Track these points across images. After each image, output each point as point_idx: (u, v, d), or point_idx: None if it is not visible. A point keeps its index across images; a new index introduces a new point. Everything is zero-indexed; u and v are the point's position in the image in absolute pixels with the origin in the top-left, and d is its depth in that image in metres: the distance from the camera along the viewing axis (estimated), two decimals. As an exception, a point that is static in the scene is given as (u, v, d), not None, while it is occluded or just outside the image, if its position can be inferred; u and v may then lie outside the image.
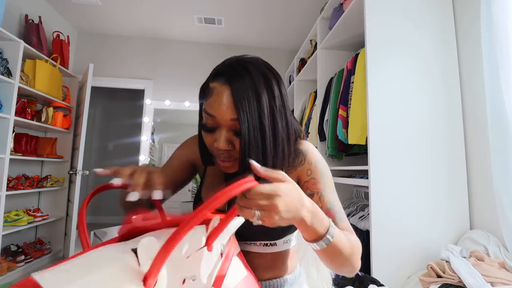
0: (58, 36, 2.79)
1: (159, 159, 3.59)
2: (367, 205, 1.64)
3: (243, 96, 0.52)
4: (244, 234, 0.62)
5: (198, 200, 0.73)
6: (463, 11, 1.51)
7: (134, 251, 0.32)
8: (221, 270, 0.44)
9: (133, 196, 0.45)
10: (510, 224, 1.10)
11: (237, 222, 0.51)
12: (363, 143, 1.50)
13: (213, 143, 0.56)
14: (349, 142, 1.59)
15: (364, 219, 1.62)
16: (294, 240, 0.70)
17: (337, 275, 1.22)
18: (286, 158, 0.59)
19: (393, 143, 1.39)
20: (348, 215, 1.74)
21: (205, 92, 0.58)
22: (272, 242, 0.65)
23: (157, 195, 0.47)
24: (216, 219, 0.44)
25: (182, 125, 3.65)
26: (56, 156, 2.77)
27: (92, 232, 1.77)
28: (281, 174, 0.42)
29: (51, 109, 2.61)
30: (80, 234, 0.43)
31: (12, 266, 2.21)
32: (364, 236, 1.55)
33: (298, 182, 0.63)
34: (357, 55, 1.66)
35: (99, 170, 0.49)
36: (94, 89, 2.88)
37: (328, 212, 0.59)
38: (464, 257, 1.16)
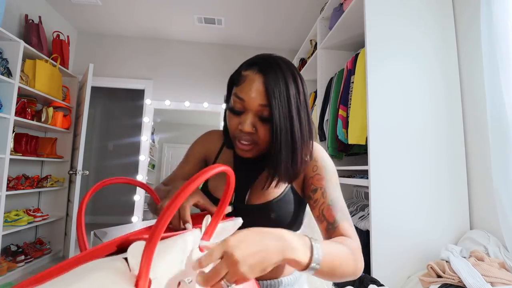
0: (58, 36, 2.80)
1: (159, 159, 3.59)
2: (367, 205, 1.64)
3: (275, 85, 0.56)
4: (248, 227, 0.62)
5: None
6: (463, 11, 1.51)
7: (125, 258, 0.32)
8: None
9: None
10: (510, 224, 1.10)
11: (235, 223, 0.51)
12: (363, 143, 1.50)
13: (238, 126, 0.59)
14: (349, 142, 1.59)
15: (364, 219, 1.62)
16: None
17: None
18: (310, 149, 0.62)
19: (393, 143, 1.39)
20: (348, 215, 1.74)
21: (237, 79, 0.62)
22: None
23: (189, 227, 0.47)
24: (207, 218, 0.44)
25: (182, 125, 3.65)
26: (56, 156, 2.77)
27: (92, 232, 1.77)
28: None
29: (51, 109, 2.61)
30: (78, 235, 0.42)
31: (12, 266, 2.21)
32: (364, 236, 1.55)
33: (304, 178, 0.65)
34: (357, 55, 1.66)
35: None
36: (94, 89, 2.88)
37: (329, 209, 0.59)
38: (464, 257, 1.16)
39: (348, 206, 1.86)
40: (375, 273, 1.29)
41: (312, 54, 2.50)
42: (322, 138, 2.05)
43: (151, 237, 0.30)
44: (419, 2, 1.52)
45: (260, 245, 0.38)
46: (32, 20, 2.50)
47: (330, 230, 0.57)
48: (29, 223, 2.38)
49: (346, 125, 1.68)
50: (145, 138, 3.27)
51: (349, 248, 0.50)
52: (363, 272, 1.31)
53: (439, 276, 1.11)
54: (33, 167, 2.71)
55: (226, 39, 3.40)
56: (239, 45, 3.53)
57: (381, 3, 1.48)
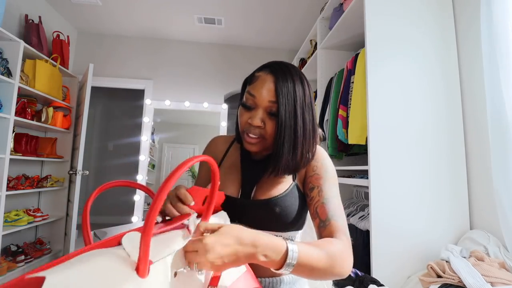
0: (58, 36, 2.79)
1: (159, 159, 3.59)
2: (367, 205, 1.64)
3: (283, 85, 0.63)
4: (252, 223, 0.63)
5: None
6: (463, 11, 1.51)
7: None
8: None
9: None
10: (510, 224, 1.10)
11: (221, 216, 0.54)
12: (363, 143, 1.50)
13: (248, 120, 0.65)
14: (349, 142, 1.59)
15: (364, 219, 1.62)
16: (298, 239, 0.71)
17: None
18: (312, 147, 0.67)
19: (393, 143, 1.39)
20: (348, 215, 1.74)
21: (250, 79, 0.68)
22: (278, 234, 0.65)
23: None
24: (194, 216, 0.47)
25: (182, 125, 3.65)
26: (56, 156, 2.77)
27: (92, 232, 1.77)
28: (215, 225, 0.44)
29: (51, 109, 2.61)
30: (83, 231, 0.45)
31: (12, 266, 2.21)
32: (364, 236, 1.55)
33: (304, 176, 0.69)
34: (357, 55, 1.66)
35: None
36: (94, 89, 2.88)
37: (322, 207, 0.61)
38: (464, 257, 1.16)
39: (348, 206, 1.86)
40: (375, 273, 1.29)
41: (312, 54, 2.50)
42: (322, 138, 2.04)
43: (145, 227, 0.32)
44: (419, 2, 1.52)
45: (231, 250, 0.42)
46: (32, 20, 2.50)
47: (322, 227, 0.59)
48: (29, 223, 2.38)
49: (346, 125, 1.68)
50: (145, 138, 3.27)
51: (335, 248, 0.52)
52: (363, 272, 1.31)
53: (439, 276, 1.11)
54: (33, 167, 2.71)
55: (226, 39, 3.40)
56: (239, 45, 3.53)
57: (381, 3, 1.48)
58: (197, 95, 3.38)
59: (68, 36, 2.91)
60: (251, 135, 0.65)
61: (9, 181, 2.26)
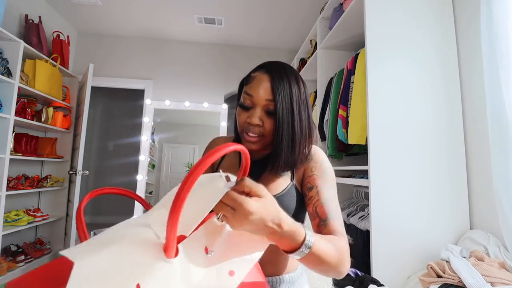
0: (58, 36, 2.79)
1: (159, 159, 3.59)
2: (367, 205, 1.64)
3: (279, 83, 0.64)
4: None
5: None
6: (463, 11, 1.51)
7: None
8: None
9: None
10: (510, 224, 1.10)
11: None
12: (363, 143, 1.50)
13: (246, 119, 0.66)
14: (349, 142, 1.59)
15: (364, 219, 1.62)
16: None
17: (337, 275, 1.22)
18: (308, 144, 0.68)
19: (393, 143, 1.39)
20: (348, 215, 1.74)
21: (247, 79, 0.70)
22: None
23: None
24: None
25: (182, 125, 3.65)
26: (56, 156, 2.77)
27: (92, 232, 1.77)
28: (260, 187, 0.44)
29: (51, 109, 2.61)
30: (78, 230, 0.44)
31: (12, 266, 2.21)
32: (364, 236, 1.55)
33: (303, 177, 0.70)
34: (357, 55, 1.66)
35: None
36: (94, 89, 2.88)
37: (322, 207, 0.62)
38: (464, 257, 1.16)
39: (348, 206, 1.86)
40: (375, 273, 1.29)
41: (312, 54, 2.50)
42: (322, 138, 2.04)
43: (173, 208, 0.30)
44: (419, 2, 1.52)
45: (266, 224, 0.42)
46: (32, 20, 2.50)
47: (322, 226, 0.60)
48: (29, 223, 2.38)
49: (346, 125, 1.68)
50: (145, 138, 3.27)
51: (339, 245, 0.54)
52: (363, 272, 1.31)
53: (439, 276, 1.11)
54: (33, 167, 2.71)
55: (226, 39, 3.40)
56: (239, 45, 3.53)
57: (381, 3, 1.48)
58: (197, 95, 3.38)
59: (68, 36, 2.91)
60: (250, 133, 0.66)
61: (9, 181, 2.26)
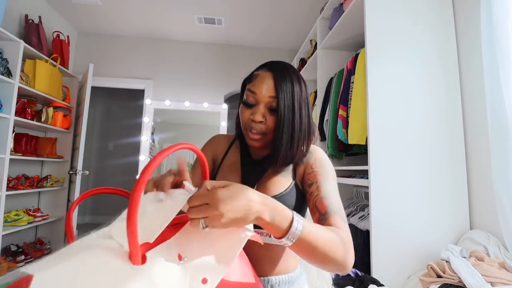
0: (58, 36, 2.79)
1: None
2: (367, 205, 1.64)
3: (282, 81, 0.65)
4: None
5: None
6: (463, 12, 1.51)
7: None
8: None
9: None
10: (510, 224, 1.10)
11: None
12: (363, 143, 1.50)
13: (249, 116, 0.67)
14: (349, 142, 1.59)
15: (364, 219, 1.62)
16: None
17: (337, 275, 1.22)
18: (307, 142, 0.69)
19: (393, 143, 1.39)
20: (348, 215, 1.74)
21: (250, 78, 0.71)
22: None
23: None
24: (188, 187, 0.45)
25: (182, 125, 3.65)
26: (56, 156, 2.77)
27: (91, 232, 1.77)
28: (223, 182, 0.43)
29: (51, 109, 2.61)
30: (67, 232, 0.44)
31: (12, 266, 2.21)
32: (364, 236, 1.55)
33: (303, 175, 0.70)
34: (357, 55, 1.66)
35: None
36: (94, 89, 2.88)
37: (322, 201, 0.61)
38: (464, 257, 1.16)
39: (348, 206, 1.86)
40: (375, 273, 1.29)
41: (312, 54, 2.50)
42: (322, 138, 2.04)
43: (128, 217, 0.30)
44: (419, 2, 1.52)
45: (244, 203, 0.41)
46: (32, 20, 2.50)
47: (322, 220, 0.59)
48: (29, 223, 2.38)
49: (346, 125, 1.68)
50: (145, 138, 3.27)
51: (339, 235, 0.53)
52: (363, 272, 1.31)
53: (439, 276, 1.11)
54: (33, 167, 2.71)
55: (226, 39, 3.40)
56: (239, 45, 3.53)
57: (381, 3, 1.48)
58: (197, 95, 3.38)
59: (68, 36, 2.91)
60: (253, 131, 0.66)
61: (9, 181, 2.26)
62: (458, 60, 1.52)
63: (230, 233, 0.43)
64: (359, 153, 1.84)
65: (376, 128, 1.39)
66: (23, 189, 2.35)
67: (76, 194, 2.64)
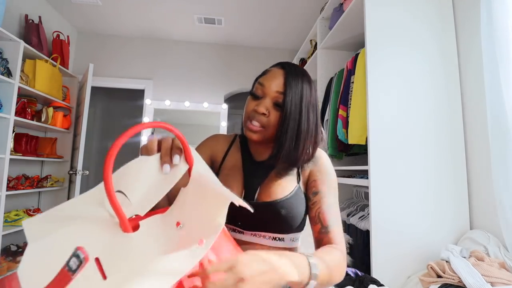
0: (58, 36, 2.79)
1: (159, 159, 3.58)
2: (367, 205, 1.64)
3: (292, 79, 0.66)
4: (256, 224, 0.64)
5: None
6: (463, 11, 1.51)
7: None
8: None
9: (166, 169, 0.47)
10: (510, 224, 1.10)
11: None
12: (363, 143, 1.50)
13: (254, 107, 0.67)
14: (349, 142, 1.59)
15: (364, 219, 1.62)
16: (299, 240, 0.71)
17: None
18: (312, 146, 0.68)
19: (393, 143, 1.39)
20: (348, 215, 1.74)
21: (263, 73, 0.72)
22: (281, 236, 0.66)
23: (176, 160, 0.48)
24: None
25: (182, 125, 3.64)
26: (56, 156, 2.77)
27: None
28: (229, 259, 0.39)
29: (51, 109, 2.61)
30: None
31: (12, 266, 2.21)
32: (364, 236, 1.55)
33: (307, 180, 0.70)
34: (357, 55, 1.66)
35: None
36: (94, 89, 2.88)
37: (323, 214, 0.63)
38: (464, 257, 1.16)
39: (348, 206, 1.86)
40: (375, 273, 1.29)
41: (312, 54, 2.50)
42: (322, 138, 2.04)
43: (105, 186, 0.33)
44: (419, 2, 1.52)
45: (268, 265, 0.40)
46: (32, 20, 2.50)
47: (323, 233, 0.61)
48: (29, 223, 2.37)
49: (346, 125, 1.68)
50: (145, 138, 3.27)
51: (341, 253, 0.57)
52: (363, 272, 1.31)
53: (439, 276, 1.11)
54: (33, 167, 2.71)
55: (226, 39, 3.40)
56: (239, 45, 3.53)
57: (381, 3, 1.48)
58: (197, 95, 3.37)
59: (68, 36, 2.91)
60: (254, 122, 0.66)
61: (9, 181, 2.25)
62: (458, 59, 1.52)
63: (219, 195, 0.43)
64: (359, 153, 1.84)
65: (376, 128, 1.39)
66: (23, 189, 2.34)
67: (76, 194, 2.64)
